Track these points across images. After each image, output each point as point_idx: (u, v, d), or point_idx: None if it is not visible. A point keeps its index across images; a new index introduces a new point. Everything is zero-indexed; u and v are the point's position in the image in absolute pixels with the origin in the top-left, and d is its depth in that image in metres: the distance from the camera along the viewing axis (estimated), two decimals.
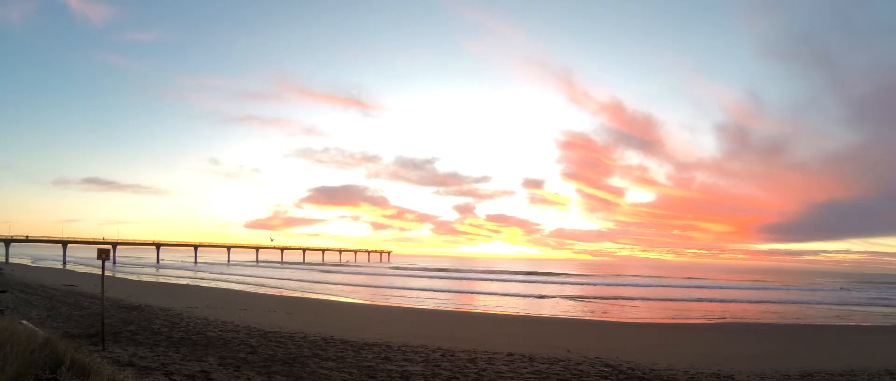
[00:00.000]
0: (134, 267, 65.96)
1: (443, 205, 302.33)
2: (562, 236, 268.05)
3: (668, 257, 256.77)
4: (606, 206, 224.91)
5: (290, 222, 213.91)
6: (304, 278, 51.69)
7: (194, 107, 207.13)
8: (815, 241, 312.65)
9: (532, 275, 72.00)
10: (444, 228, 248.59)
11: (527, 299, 35.62)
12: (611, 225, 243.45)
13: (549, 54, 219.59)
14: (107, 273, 12.44)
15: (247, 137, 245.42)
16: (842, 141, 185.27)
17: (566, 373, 10.28)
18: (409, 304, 29.51)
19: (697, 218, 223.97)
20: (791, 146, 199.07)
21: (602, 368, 11.02)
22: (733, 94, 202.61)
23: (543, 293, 40.23)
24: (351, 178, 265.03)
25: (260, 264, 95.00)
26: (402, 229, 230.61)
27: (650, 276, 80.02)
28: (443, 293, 38.53)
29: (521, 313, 26.49)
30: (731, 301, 37.60)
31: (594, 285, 55.31)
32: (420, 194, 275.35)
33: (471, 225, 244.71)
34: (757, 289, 56.01)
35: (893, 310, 34.89)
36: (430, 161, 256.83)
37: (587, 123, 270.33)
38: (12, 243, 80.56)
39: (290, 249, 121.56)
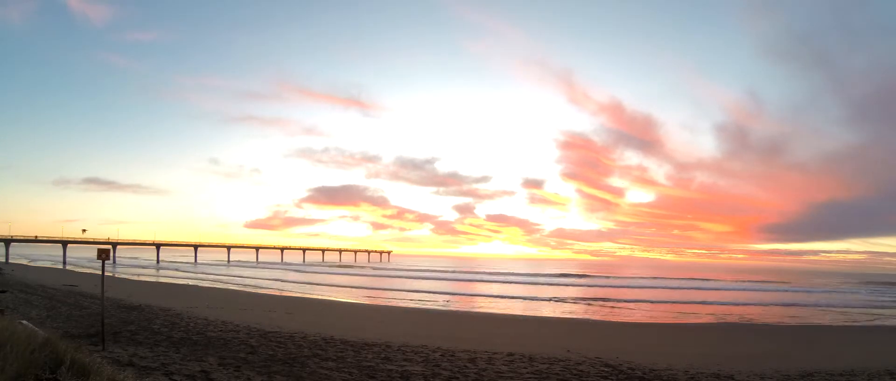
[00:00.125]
0: (134, 267, 65.96)
1: (443, 205, 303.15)
2: (562, 236, 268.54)
3: (668, 257, 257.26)
4: (606, 206, 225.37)
5: (290, 222, 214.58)
6: (303, 281, 51.67)
7: (194, 107, 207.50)
8: (815, 241, 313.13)
9: (532, 275, 72.01)
10: (444, 228, 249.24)
11: (526, 299, 35.63)
12: (611, 225, 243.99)
13: (549, 54, 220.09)
14: (107, 273, 12.43)
15: (247, 137, 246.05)
16: (841, 141, 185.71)
17: (566, 373, 10.28)
18: (409, 304, 29.51)
19: (697, 218, 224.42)
20: (791, 146, 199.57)
21: (602, 368, 11.02)
22: (733, 94, 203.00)
23: (543, 294, 40.23)
24: (351, 178, 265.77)
25: (260, 264, 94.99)
26: (402, 229, 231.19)
27: (650, 277, 79.98)
28: (442, 294, 38.51)
29: (521, 313, 26.49)
30: (731, 304, 37.56)
31: (594, 285, 55.28)
32: (420, 193, 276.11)
33: (471, 225, 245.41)
34: (757, 289, 56.01)
35: (894, 310, 34.89)
36: (430, 161, 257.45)
37: (587, 123, 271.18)
38: (12, 243, 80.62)
39: (290, 249, 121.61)
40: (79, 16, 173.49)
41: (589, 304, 33.27)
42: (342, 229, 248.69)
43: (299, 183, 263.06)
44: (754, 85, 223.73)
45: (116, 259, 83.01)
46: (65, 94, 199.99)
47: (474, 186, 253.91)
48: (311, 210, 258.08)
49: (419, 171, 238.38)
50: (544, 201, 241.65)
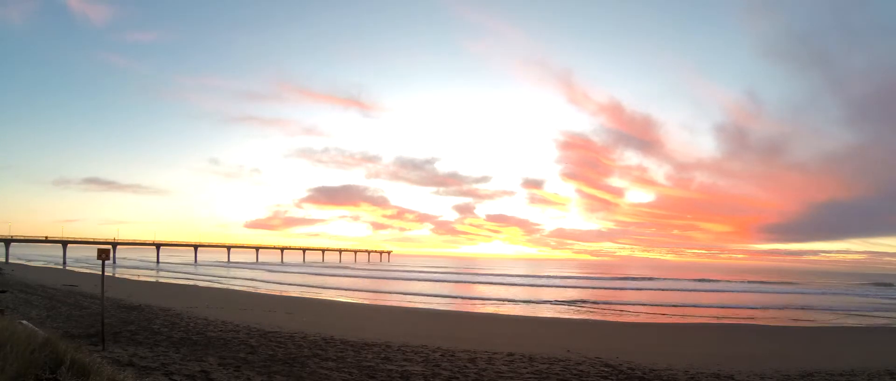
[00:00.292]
0: (134, 267, 65.96)
1: (443, 205, 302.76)
2: (562, 236, 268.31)
3: (668, 257, 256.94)
4: (606, 206, 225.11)
5: (290, 222, 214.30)
6: (303, 281, 51.65)
7: (194, 107, 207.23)
8: (815, 241, 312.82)
9: (532, 276, 71.98)
10: (444, 228, 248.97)
11: (526, 299, 35.62)
12: (611, 225, 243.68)
13: (549, 54, 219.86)
14: (107, 273, 12.43)
15: (247, 137, 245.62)
16: (841, 141, 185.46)
17: (566, 373, 10.28)
18: (409, 304, 29.51)
19: (697, 218, 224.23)
20: (790, 146, 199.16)
21: (602, 368, 11.02)
22: (733, 94, 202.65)
23: (543, 294, 40.22)
24: (351, 178, 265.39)
25: (260, 264, 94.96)
26: (402, 230, 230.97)
27: (650, 278, 79.99)
28: (442, 294, 38.49)
29: (521, 313, 26.50)
30: (730, 305, 37.55)
31: (594, 286, 55.28)
32: (420, 194, 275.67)
33: (471, 225, 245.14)
34: (757, 290, 55.99)
35: (894, 310, 34.89)
36: (430, 161, 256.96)
37: (587, 123, 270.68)
38: (12, 243, 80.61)
39: (290, 249, 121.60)
40: (79, 16, 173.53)
41: (589, 304, 33.26)
42: (342, 230, 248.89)
43: (299, 183, 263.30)
44: (754, 85, 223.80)
45: (116, 259, 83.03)
46: (65, 94, 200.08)
47: (474, 186, 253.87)
48: (311, 210, 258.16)
49: (419, 171, 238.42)
50: (544, 201, 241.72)
